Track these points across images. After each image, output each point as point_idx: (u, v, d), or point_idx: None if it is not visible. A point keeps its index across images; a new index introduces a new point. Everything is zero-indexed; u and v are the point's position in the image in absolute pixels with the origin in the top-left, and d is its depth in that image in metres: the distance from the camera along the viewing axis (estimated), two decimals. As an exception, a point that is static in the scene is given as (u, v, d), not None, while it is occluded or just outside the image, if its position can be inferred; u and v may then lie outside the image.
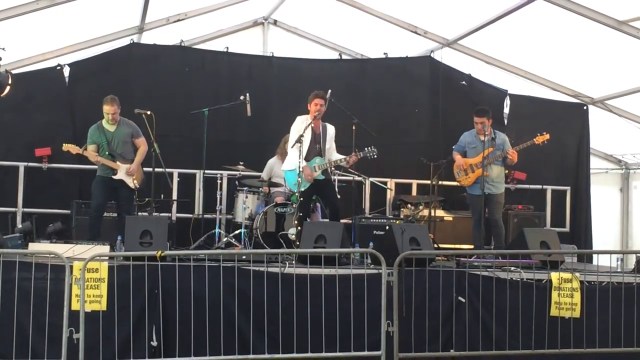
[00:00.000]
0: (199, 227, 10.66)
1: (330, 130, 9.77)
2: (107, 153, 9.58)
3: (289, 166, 9.61)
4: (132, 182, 9.62)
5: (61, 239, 9.27)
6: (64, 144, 9.78)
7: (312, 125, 9.52)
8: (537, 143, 10.13)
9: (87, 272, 6.96)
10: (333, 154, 9.77)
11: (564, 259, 8.93)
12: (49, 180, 11.41)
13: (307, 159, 9.49)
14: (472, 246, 10.65)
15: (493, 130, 10.14)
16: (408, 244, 8.07)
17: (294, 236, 9.10)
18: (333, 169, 9.91)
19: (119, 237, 8.51)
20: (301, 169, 9.17)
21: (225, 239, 10.20)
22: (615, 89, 12.09)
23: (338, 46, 13.36)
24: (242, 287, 7.33)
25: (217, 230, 10.41)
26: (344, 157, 9.62)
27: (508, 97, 12.90)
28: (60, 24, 10.73)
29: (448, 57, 12.66)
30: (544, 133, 10.13)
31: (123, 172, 9.58)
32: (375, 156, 9.62)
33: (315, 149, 9.60)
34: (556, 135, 12.23)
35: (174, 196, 11.35)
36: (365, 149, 9.57)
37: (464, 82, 12.81)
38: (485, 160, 9.97)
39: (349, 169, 10.24)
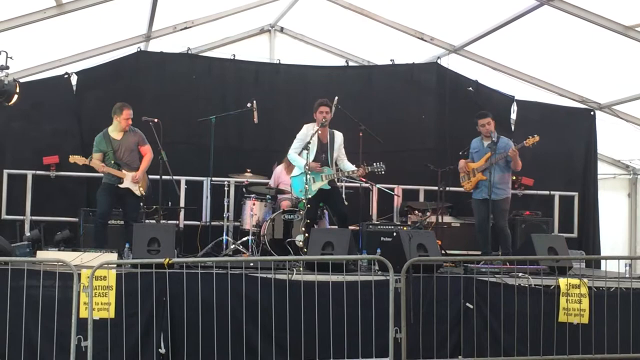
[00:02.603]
0: (206, 234, 10.65)
1: (338, 138, 9.77)
2: (112, 162, 9.56)
3: (295, 172, 9.65)
4: (138, 190, 9.61)
5: (69, 247, 9.31)
6: (70, 156, 9.75)
7: (319, 133, 9.53)
8: (526, 145, 9.86)
9: (95, 279, 6.97)
10: (343, 162, 9.76)
11: (572, 265, 8.91)
12: (57, 188, 11.42)
13: None
14: (479, 252, 10.64)
15: (497, 135, 10.06)
16: (415, 250, 8.06)
17: (301, 243, 9.10)
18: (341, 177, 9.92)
19: (127, 245, 8.52)
20: (307, 167, 9.17)
21: (233, 246, 10.19)
22: (622, 95, 12.07)
23: (345, 53, 13.37)
24: (249, 294, 7.33)
25: (224, 237, 10.42)
26: (352, 169, 9.62)
27: (515, 103, 12.90)
28: (68, 33, 10.77)
29: (455, 64, 12.66)
30: (535, 135, 9.85)
31: (129, 180, 9.56)
32: (383, 172, 9.62)
33: (322, 159, 9.59)
34: (563, 141, 12.26)
35: (182, 204, 11.35)
36: (374, 164, 9.54)
37: (470, 88, 12.80)
38: (486, 164, 9.95)
39: (357, 175, 10.24)
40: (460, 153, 10.59)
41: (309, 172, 9.22)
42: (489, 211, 9.92)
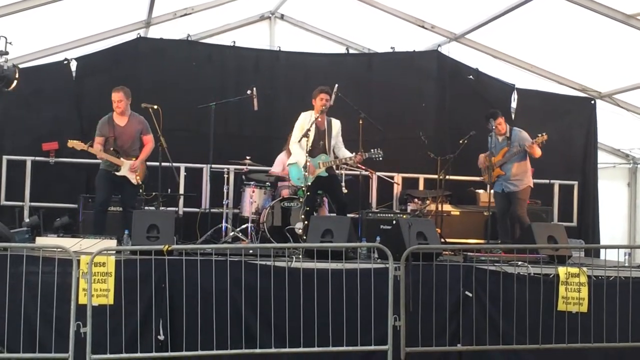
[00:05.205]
0: (205, 221, 10.65)
1: (336, 125, 9.76)
2: (112, 149, 9.54)
3: (293, 160, 9.64)
4: (134, 179, 9.57)
5: (68, 233, 9.29)
6: (69, 141, 9.73)
7: (318, 120, 9.52)
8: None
9: (95, 266, 6.95)
10: (340, 150, 9.77)
11: (572, 254, 8.90)
12: (56, 175, 11.42)
13: (312, 155, 9.46)
14: (479, 241, 10.69)
15: (510, 128, 10.29)
16: (415, 239, 8.05)
17: (300, 230, 9.10)
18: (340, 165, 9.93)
19: (126, 231, 8.50)
20: (307, 163, 9.16)
21: (232, 233, 10.19)
22: (622, 83, 12.08)
23: (345, 40, 13.35)
24: (249, 282, 7.31)
25: (224, 224, 10.41)
26: (350, 155, 9.63)
27: (515, 91, 12.92)
28: (68, 18, 10.73)
29: (455, 52, 12.64)
30: (543, 134, 10.12)
31: (126, 169, 9.51)
32: (381, 158, 9.64)
33: (319, 146, 9.59)
34: (563, 129, 12.26)
35: (181, 190, 11.33)
36: (371, 150, 9.56)
37: (471, 77, 12.81)
38: (504, 158, 10.26)
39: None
40: (460, 142, 10.58)
41: (308, 159, 9.21)
42: (509, 204, 10.38)
